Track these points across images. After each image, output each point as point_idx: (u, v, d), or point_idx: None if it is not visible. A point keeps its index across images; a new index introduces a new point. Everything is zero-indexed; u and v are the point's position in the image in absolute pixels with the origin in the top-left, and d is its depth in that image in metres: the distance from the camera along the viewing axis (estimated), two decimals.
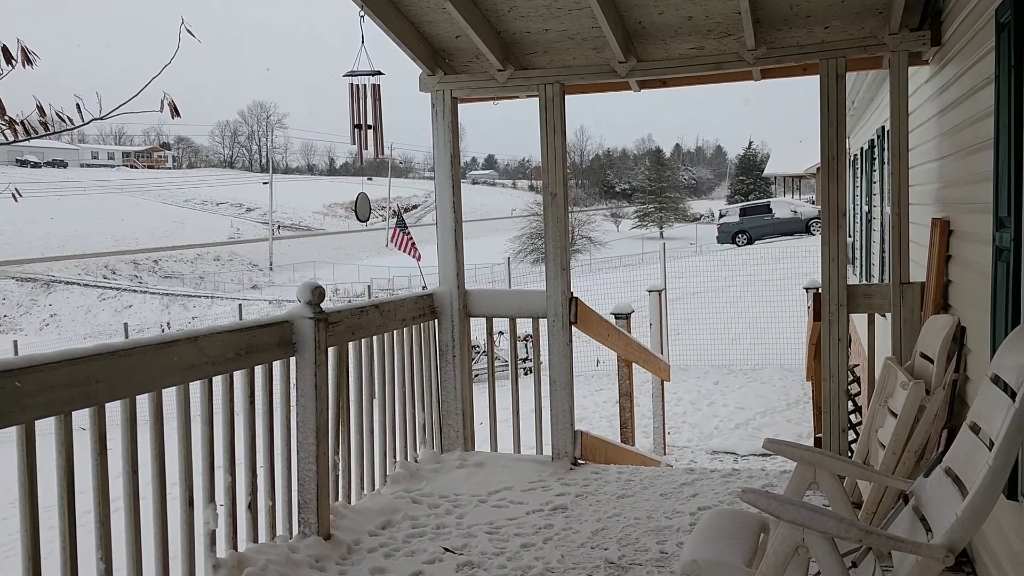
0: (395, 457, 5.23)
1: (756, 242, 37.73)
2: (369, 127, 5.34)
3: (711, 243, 43.24)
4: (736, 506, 4.66)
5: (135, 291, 49.31)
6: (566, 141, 5.58)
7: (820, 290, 5.03)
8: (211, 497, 3.66)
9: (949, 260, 4.45)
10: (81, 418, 2.99)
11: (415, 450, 5.48)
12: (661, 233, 62.44)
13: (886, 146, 7.80)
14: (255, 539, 3.96)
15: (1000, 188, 3.10)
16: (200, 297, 47.70)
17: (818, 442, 6.40)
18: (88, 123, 5.93)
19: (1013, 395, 2.35)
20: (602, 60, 5.36)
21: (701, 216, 69.84)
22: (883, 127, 8.05)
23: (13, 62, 5.37)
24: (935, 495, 2.69)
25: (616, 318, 10.17)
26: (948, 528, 2.28)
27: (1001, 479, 2.24)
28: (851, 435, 5.69)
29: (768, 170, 59.64)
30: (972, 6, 3.80)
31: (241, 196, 77.25)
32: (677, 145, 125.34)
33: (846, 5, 4.75)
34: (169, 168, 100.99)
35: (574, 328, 5.66)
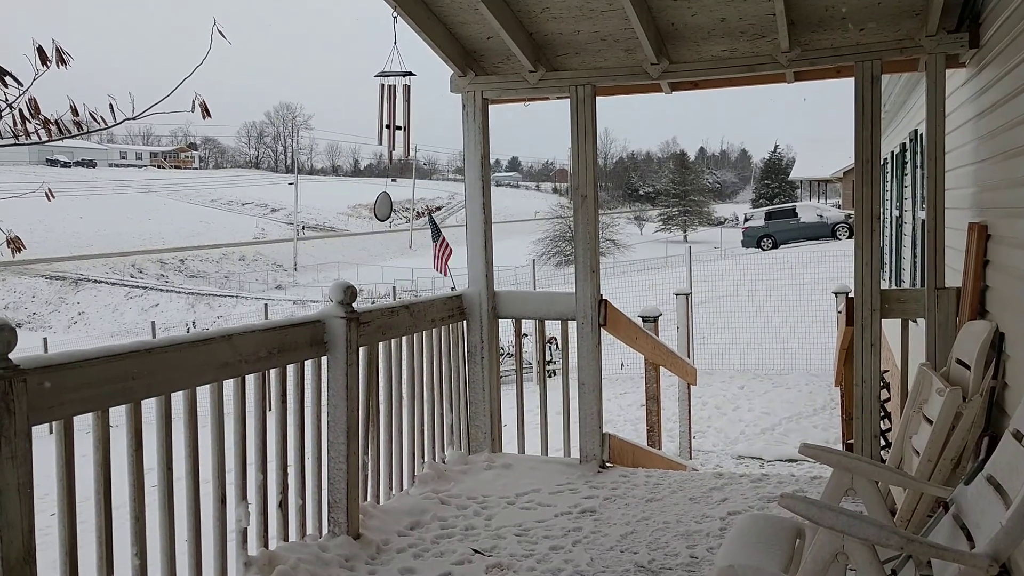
0: (423, 458, 5.23)
1: (781, 246, 37.47)
2: (398, 127, 5.36)
3: (736, 247, 42.99)
4: (767, 511, 4.62)
5: (161, 290, 49.76)
6: (597, 143, 5.56)
7: (852, 294, 4.98)
8: (243, 495, 3.68)
9: (987, 265, 4.38)
10: (115, 416, 3.01)
11: (443, 451, 5.48)
12: (685, 236, 62.14)
13: (919, 150, 7.72)
14: (285, 537, 3.98)
15: None
16: (225, 297, 48.07)
17: (849, 448, 6.34)
18: (121, 123, 5.99)
19: None
20: (634, 62, 5.34)
21: (725, 220, 69.48)
22: (916, 131, 7.97)
23: (48, 62, 5.44)
24: (977, 503, 2.65)
25: (644, 321, 10.13)
26: (992, 537, 2.24)
27: None
28: (880, 442, 5.63)
29: (794, 174, 59.30)
30: (1014, 7, 3.74)
31: (266, 196, 77.78)
32: (701, 148, 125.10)
33: (882, 7, 4.70)
34: (196, 168, 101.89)
35: (602, 331, 5.64)
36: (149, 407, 3.17)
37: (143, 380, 3.07)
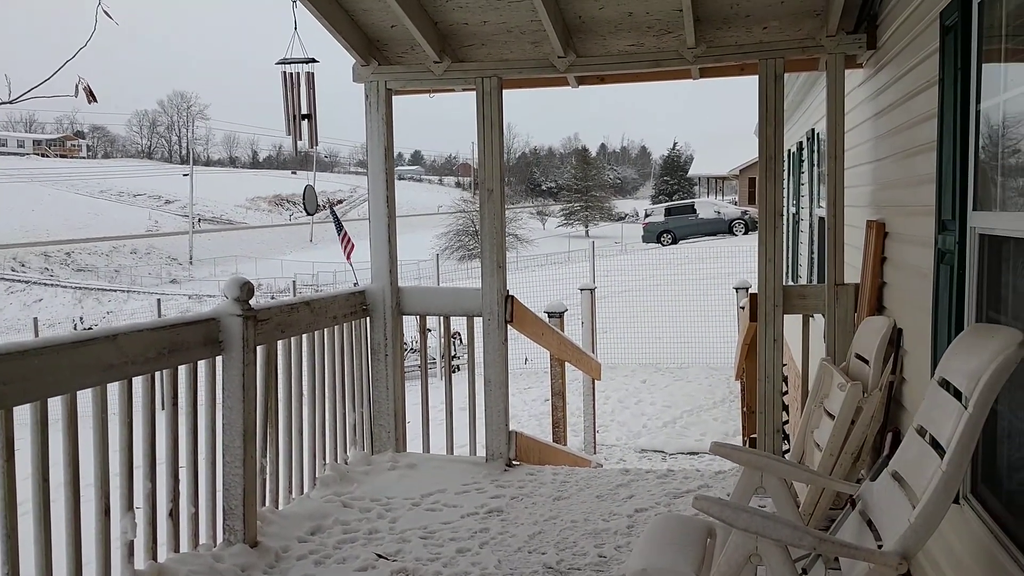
0: (324, 459, 5.05)
1: (680, 242, 38.28)
2: (305, 116, 5.16)
3: (636, 242, 43.68)
4: (674, 508, 4.63)
5: (45, 284, 47.44)
6: (503, 136, 5.47)
7: (755, 290, 5.04)
8: (129, 505, 3.45)
9: (884, 262, 4.48)
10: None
11: (345, 451, 5.31)
12: (587, 231, 62.79)
13: (816, 148, 7.91)
14: (176, 548, 3.76)
15: (944, 191, 3.11)
16: (115, 291, 46.15)
17: (752, 443, 6.43)
18: None
19: (961, 399, 2.33)
20: (541, 55, 5.27)
21: (626, 215, 70.60)
22: (813, 130, 8.16)
23: None
24: (882, 499, 2.66)
25: (550, 316, 10.12)
26: (901, 535, 2.24)
27: (954, 485, 2.22)
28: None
29: (692, 171, 60.63)
30: (912, 9, 3.82)
31: (160, 188, 75.09)
32: (603, 144, 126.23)
33: (785, 6, 4.76)
34: (84, 157, 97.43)
35: (508, 327, 5.56)
36: (23, 411, 2.93)
37: (16, 385, 2.83)
